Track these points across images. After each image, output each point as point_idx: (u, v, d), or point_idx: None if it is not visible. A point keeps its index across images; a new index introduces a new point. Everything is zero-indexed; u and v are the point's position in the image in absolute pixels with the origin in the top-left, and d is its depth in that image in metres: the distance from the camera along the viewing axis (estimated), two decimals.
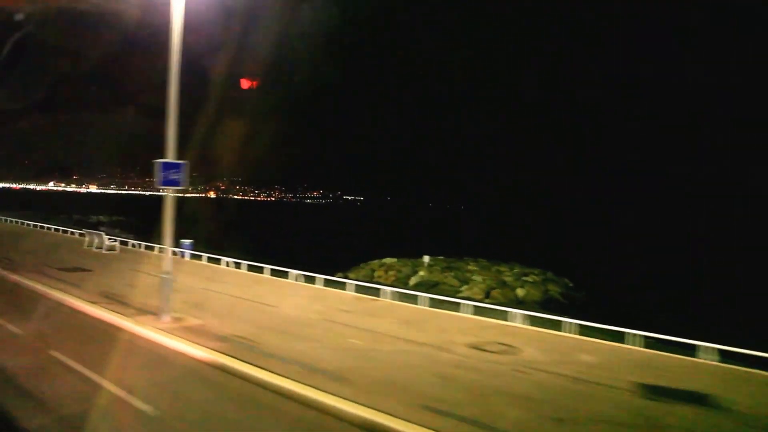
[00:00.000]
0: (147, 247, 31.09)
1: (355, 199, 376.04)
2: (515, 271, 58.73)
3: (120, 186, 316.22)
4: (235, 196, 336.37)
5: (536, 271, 58.37)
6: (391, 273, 55.92)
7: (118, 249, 29.27)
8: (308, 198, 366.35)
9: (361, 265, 61.05)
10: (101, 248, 28.79)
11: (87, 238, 30.35)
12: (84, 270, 21.80)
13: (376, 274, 56.34)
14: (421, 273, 56.28)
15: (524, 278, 54.96)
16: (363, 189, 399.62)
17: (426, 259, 58.43)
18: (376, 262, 60.08)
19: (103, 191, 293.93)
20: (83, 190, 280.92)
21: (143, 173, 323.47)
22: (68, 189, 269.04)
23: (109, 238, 29.20)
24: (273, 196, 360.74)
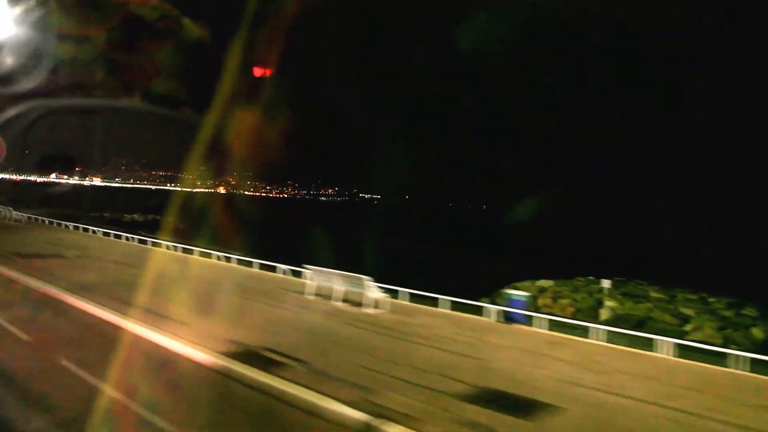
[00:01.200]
0: (430, 301, 17.36)
1: (371, 198, 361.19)
2: (712, 300, 45.87)
3: (125, 179, 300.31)
4: (246, 192, 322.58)
5: (734, 300, 45.68)
6: (564, 302, 42.77)
7: (387, 307, 15.41)
8: (322, 195, 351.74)
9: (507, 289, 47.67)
10: (360, 305, 14.94)
11: (311, 281, 16.45)
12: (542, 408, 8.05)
13: (540, 302, 43.45)
14: (610, 303, 42.95)
15: (742, 312, 42.05)
16: (378, 187, 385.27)
17: (606, 284, 45.03)
18: (527, 283, 47.59)
19: (107, 184, 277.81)
20: (87, 182, 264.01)
21: (149, 165, 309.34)
22: (71, 181, 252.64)
23: (379, 287, 15.33)
24: (285, 193, 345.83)
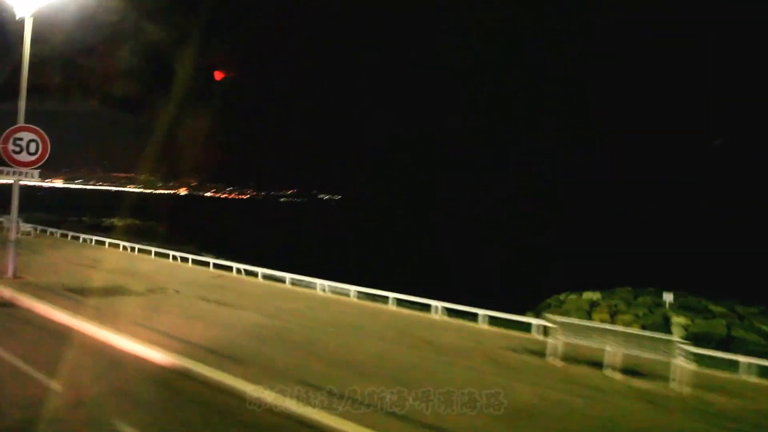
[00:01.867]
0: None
1: (331, 198, 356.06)
2: None
3: (86, 181, 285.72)
4: (207, 194, 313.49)
5: None
6: (625, 318, 38.30)
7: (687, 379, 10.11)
8: (282, 196, 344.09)
9: (549, 301, 43.63)
10: (653, 379, 9.71)
11: (555, 339, 11.15)
12: None
13: (595, 317, 38.90)
14: (678, 320, 38.78)
15: None
16: (339, 187, 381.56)
17: (668, 297, 40.83)
18: (573, 296, 43.36)
19: (68, 186, 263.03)
20: (47, 184, 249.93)
21: (109, 168, 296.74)
22: (30, 183, 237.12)
23: (686, 350, 10.04)
24: (245, 194, 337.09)
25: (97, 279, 16.50)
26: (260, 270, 20.19)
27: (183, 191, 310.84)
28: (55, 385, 7.41)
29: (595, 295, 43.13)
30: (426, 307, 15.93)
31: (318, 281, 18.03)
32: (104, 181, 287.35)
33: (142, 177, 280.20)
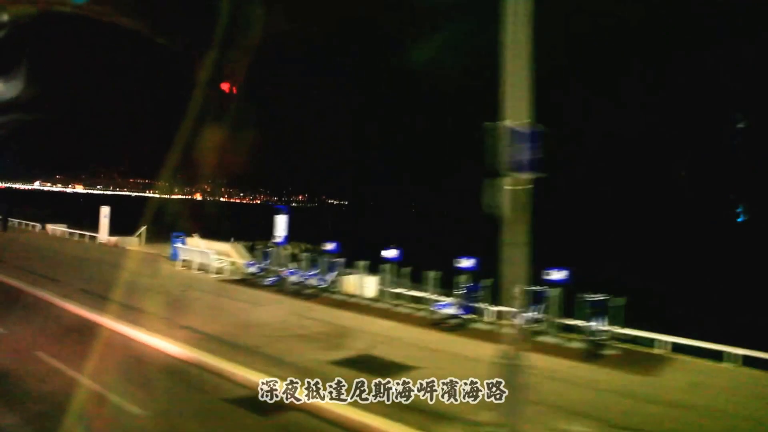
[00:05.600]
0: None
1: (339, 204, 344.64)
2: None
3: (105, 186, 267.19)
4: (222, 199, 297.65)
5: None
6: None
7: None
8: (293, 202, 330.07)
9: None
10: None
11: None
12: None
13: None
14: None
15: None
16: (345, 193, 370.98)
17: None
18: None
19: (89, 191, 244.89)
20: (69, 190, 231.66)
21: (127, 172, 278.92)
22: (54, 189, 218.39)
23: None
24: (258, 200, 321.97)
25: None
26: None
27: (198, 197, 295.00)
28: None
29: None
30: None
31: None
32: (122, 187, 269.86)
33: (161, 182, 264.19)
